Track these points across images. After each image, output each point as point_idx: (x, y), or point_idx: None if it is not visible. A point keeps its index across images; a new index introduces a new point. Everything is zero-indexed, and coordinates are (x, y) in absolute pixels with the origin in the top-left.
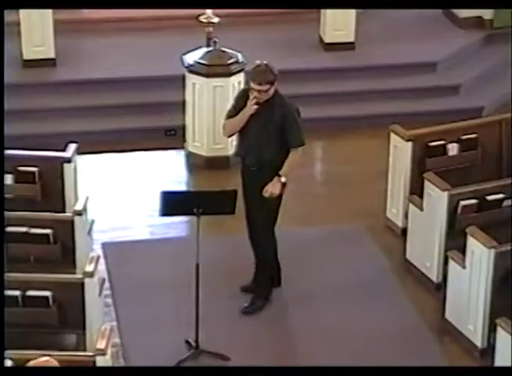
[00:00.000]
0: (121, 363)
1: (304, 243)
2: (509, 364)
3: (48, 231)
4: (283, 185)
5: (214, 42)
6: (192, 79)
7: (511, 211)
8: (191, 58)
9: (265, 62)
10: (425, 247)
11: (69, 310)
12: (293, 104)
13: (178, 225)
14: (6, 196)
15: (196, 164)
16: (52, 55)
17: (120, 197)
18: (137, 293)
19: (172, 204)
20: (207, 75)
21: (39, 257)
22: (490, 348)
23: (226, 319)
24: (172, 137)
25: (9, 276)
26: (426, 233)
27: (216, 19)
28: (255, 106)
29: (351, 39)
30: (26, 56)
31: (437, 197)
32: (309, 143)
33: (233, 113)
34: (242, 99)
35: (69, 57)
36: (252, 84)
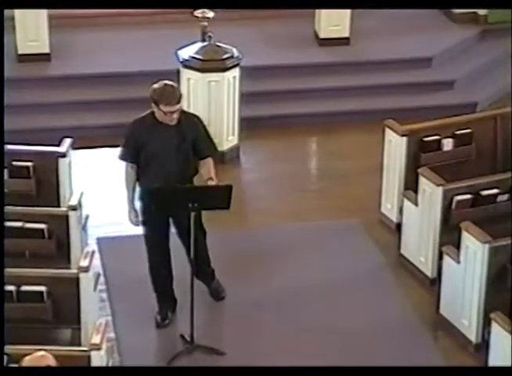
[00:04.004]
0: (116, 357)
1: (299, 238)
2: (503, 359)
3: (42, 226)
4: None
5: (209, 37)
6: (187, 74)
7: (506, 206)
8: (186, 53)
9: (164, 82)
10: (420, 242)
11: (64, 305)
12: (192, 113)
13: None
14: None
15: None
16: (46, 49)
17: (115, 191)
18: (132, 287)
19: (167, 198)
20: (202, 70)
21: (34, 252)
22: (484, 343)
23: (222, 313)
24: None
25: (4, 270)
26: (420, 228)
27: (211, 14)
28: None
29: (346, 34)
30: (20, 51)
31: (431, 192)
32: (304, 139)
33: (133, 152)
34: (139, 134)
35: (63, 52)
36: (169, 108)
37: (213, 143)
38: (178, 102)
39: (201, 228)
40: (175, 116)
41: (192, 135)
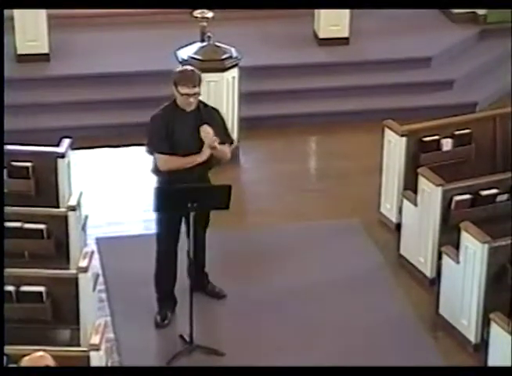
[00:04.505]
0: (115, 358)
1: (299, 238)
2: (502, 359)
3: (41, 226)
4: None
5: (209, 37)
6: None
7: (506, 206)
8: (185, 53)
9: (184, 66)
10: (419, 242)
11: (63, 305)
12: (212, 106)
13: None
14: None
15: None
16: (45, 49)
17: (114, 192)
18: (131, 288)
19: (166, 199)
20: (201, 70)
21: (33, 252)
22: (484, 343)
23: (222, 313)
24: None
25: (3, 271)
26: (420, 229)
27: (210, 14)
28: (208, 151)
29: (346, 34)
30: (20, 51)
31: (431, 192)
32: (303, 138)
33: (166, 145)
34: (167, 123)
35: (63, 52)
36: (186, 90)
37: (229, 134)
38: (196, 85)
39: (207, 221)
40: (193, 100)
41: (211, 124)
